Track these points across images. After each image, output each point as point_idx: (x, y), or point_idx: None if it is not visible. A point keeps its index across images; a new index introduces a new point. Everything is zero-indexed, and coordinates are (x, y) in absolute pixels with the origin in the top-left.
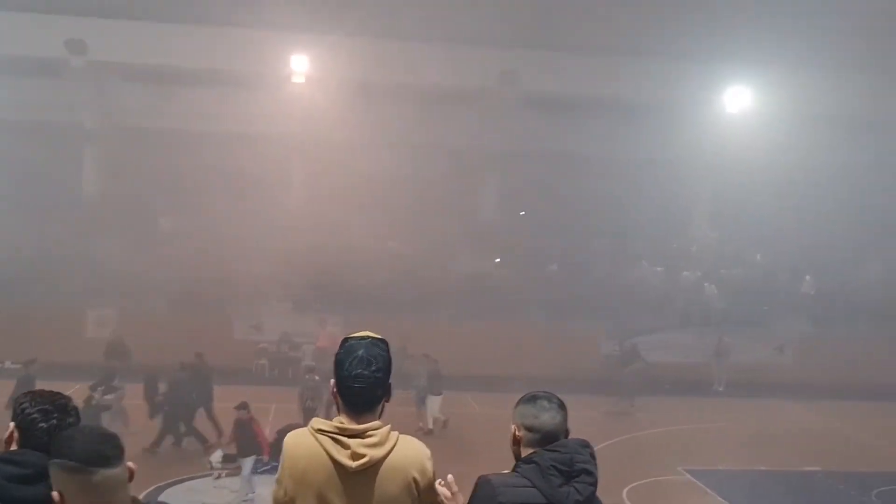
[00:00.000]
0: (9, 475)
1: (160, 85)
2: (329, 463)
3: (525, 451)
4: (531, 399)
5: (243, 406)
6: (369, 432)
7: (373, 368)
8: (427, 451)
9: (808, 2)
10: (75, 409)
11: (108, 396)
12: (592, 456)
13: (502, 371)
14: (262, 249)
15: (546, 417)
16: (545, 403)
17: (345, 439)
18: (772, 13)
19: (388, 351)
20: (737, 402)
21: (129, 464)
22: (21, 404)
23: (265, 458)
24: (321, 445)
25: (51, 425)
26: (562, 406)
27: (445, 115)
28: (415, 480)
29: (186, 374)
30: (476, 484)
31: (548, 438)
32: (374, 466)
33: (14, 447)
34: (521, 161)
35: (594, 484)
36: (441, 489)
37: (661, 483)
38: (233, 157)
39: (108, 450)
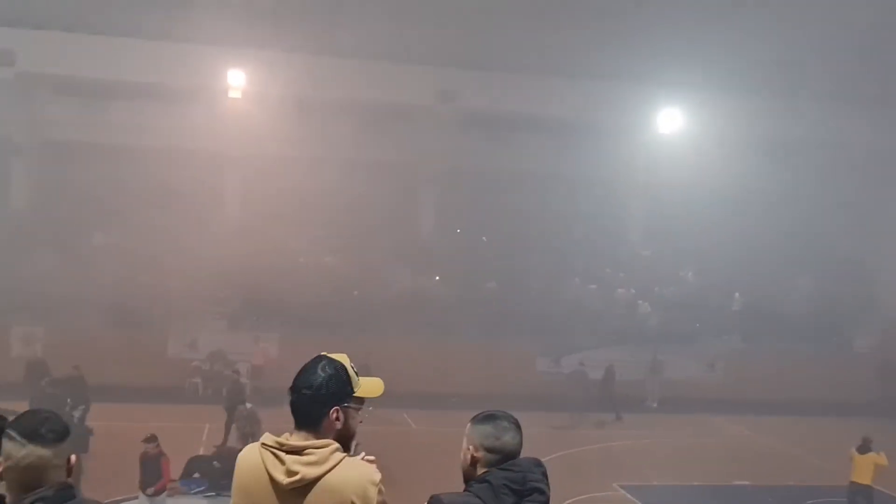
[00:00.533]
0: None
1: (93, 98)
2: (268, 478)
3: (480, 471)
4: (489, 419)
5: (152, 439)
6: (308, 450)
7: (306, 385)
8: (374, 477)
9: (739, 30)
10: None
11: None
12: (544, 475)
13: (439, 388)
14: (196, 266)
15: (507, 438)
16: (505, 424)
17: (283, 455)
18: (704, 39)
19: (336, 373)
20: (670, 418)
21: (71, 456)
22: None
23: (153, 489)
24: (263, 460)
25: None
26: (519, 426)
27: (383, 132)
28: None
29: (58, 388)
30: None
31: (506, 460)
32: (309, 486)
33: None
34: (459, 178)
35: (546, 503)
36: None
37: (596, 500)
38: (168, 172)
39: (43, 430)
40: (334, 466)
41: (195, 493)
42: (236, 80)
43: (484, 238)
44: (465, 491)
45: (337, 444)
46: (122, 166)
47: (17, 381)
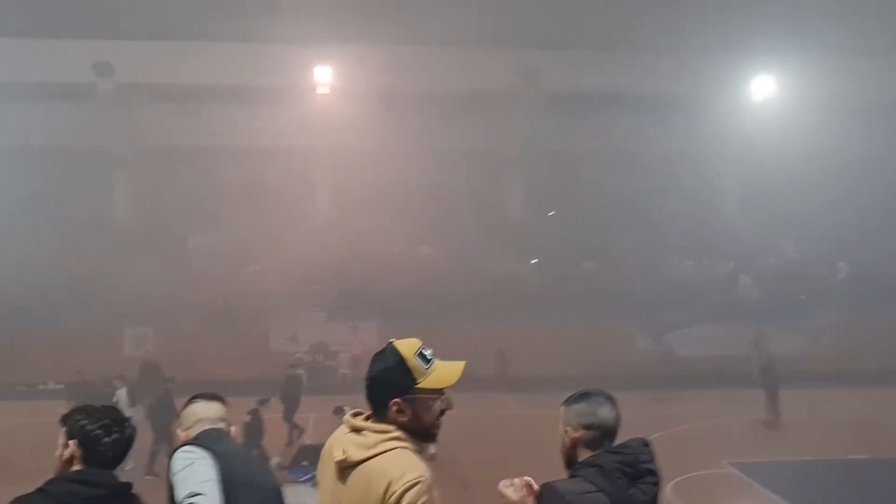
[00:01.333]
0: (86, 496)
1: (186, 103)
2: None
3: (583, 452)
4: (583, 396)
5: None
6: (364, 431)
7: (367, 376)
8: (406, 477)
9: None
10: (128, 418)
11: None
12: (652, 455)
13: (538, 371)
14: (293, 261)
15: (604, 413)
16: (600, 399)
17: (346, 432)
18: (794, 2)
19: (392, 366)
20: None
21: (232, 427)
22: (78, 421)
23: None
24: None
25: (114, 439)
26: (614, 401)
27: (470, 118)
28: (380, 497)
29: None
30: (540, 492)
31: (606, 435)
32: (353, 467)
33: (77, 465)
34: (548, 160)
35: (658, 484)
36: (506, 491)
37: (705, 477)
38: (260, 172)
39: (218, 394)
40: (380, 454)
41: (304, 481)
42: (323, 77)
43: (551, 213)
44: (573, 476)
45: (397, 433)
46: (217, 168)
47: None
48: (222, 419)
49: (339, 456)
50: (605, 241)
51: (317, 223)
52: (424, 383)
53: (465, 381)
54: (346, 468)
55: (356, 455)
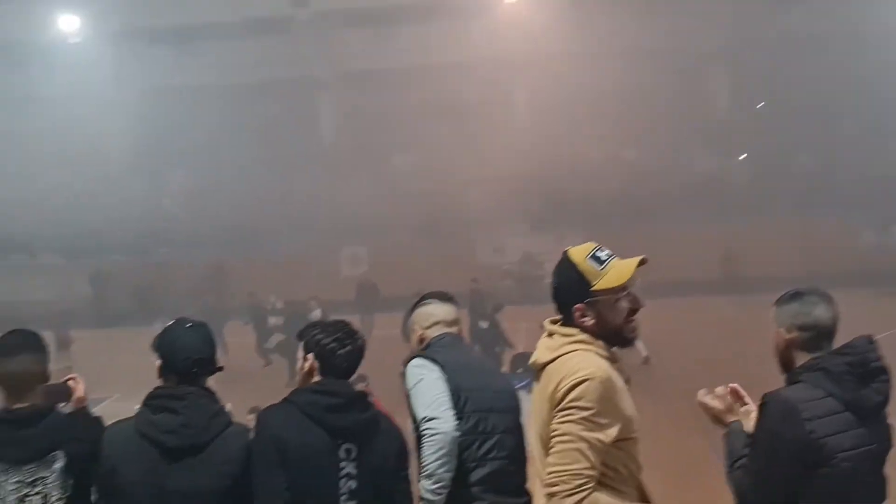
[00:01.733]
0: (327, 405)
1: (380, 26)
2: None
3: (799, 355)
4: (796, 296)
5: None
6: (554, 335)
7: (551, 283)
8: (580, 374)
9: None
10: (358, 331)
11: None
12: (879, 352)
13: (754, 272)
14: (494, 173)
15: (819, 312)
16: (814, 298)
17: (544, 337)
18: None
19: (564, 276)
20: None
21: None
22: (314, 336)
23: None
24: None
25: (347, 351)
26: (830, 300)
27: (664, 12)
28: (551, 392)
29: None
30: (764, 404)
31: (823, 336)
32: (542, 368)
33: (316, 377)
34: (754, 48)
35: (889, 382)
36: (711, 402)
37: None
38: (456, 87)
39: (449, 295)
40: (562, 355)
41: (520, 388)
42: None
43: (760, 104)
44: (795, 382)
45: (581, 336)
46: (414, 86)
47: (350, 300)
48: (455, 321)
49: (532, 359)
50: (822, 130)
51: (515, 133)
52: (600, 285)
53: (680, 286)
54: (538, 370)
55: (543, 357)
